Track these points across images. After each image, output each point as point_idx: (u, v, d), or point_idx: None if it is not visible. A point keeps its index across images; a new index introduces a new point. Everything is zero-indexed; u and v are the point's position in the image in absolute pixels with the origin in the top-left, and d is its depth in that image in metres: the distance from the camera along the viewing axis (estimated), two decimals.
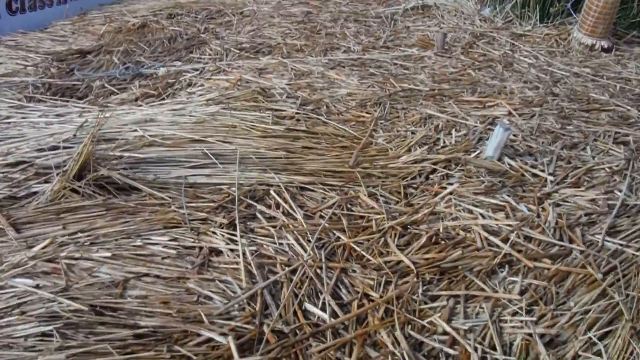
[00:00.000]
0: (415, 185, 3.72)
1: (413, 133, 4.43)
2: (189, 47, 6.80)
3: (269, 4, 8.69)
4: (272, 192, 3.50)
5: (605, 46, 6.59)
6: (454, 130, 4.45)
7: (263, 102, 4.74)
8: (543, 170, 3.97)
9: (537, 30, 7.17)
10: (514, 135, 4.36)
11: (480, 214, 3.40)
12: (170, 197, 3.42)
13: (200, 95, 5.05)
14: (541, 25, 7.24)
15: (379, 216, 3.34)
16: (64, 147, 3.86)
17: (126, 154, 3.74)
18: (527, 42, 6.90)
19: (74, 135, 4.18)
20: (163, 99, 5.12)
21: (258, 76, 5.49)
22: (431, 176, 3.83)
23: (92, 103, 5.10)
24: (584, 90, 5.50)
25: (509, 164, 3.96)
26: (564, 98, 5.29)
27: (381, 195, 3.56)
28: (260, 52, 6.34)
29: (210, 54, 6.39)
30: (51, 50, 6.90)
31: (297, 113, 4.57)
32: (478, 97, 5.17)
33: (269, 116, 4.45)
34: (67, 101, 5.22)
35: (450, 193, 3.60)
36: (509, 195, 3.63)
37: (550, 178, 3.86)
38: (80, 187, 3.33)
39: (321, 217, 3.34)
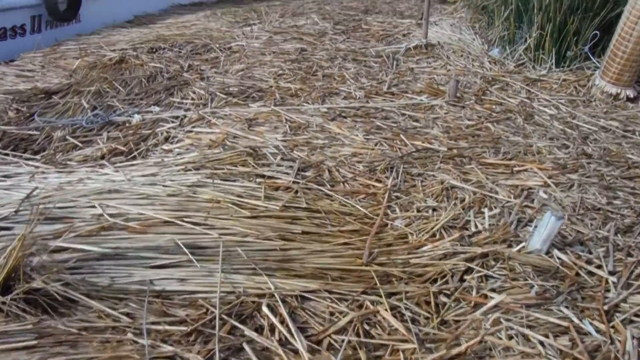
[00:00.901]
0: (447, 292, 2.82)
1: (435, 210, 3.54)
2: (169, 89, 5.89)
3: (259, 39, 7.83)
4: (264, 307, 2.57)
5: (631, 95, 5.80)
6: (484, 207, 3.57)
7: (253, 167, 3.83)
8: (600, 266, 3.09)
9: (553, 75, 6.37)
10: None
11: (540, 342, 2.50)
12: (128, 315, 2.48)
13: (179, 154, 4.13)
14: (557, 69, 6.44)
15: (407, 345, 2.43)
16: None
17: (74, 246, 2.80)
18: (543, 89, 6.08)
19: (16, 211, 3.24)
20: (134, 157, 4.19)
21: (247, 129, 4.59)
22: (466, 277, 2.93)
23: (49, 160, 4.16)
24: (619, 151, 4.67)
25: (559, 259, 3.08)
26: (599, 160, 4.45)
27: (406, 308, 2.66)
28: (250, 97, 5.44)
29: (193, 98, 5.49)
30: (13, 89, 5.95)
31: (294, 182, 3.67)
32: (503, 159, 4.32)
33: (260, 186, 3.54)
34: (21, 156, 4.28)
35: (496, 306, 2.70)
36: (567, 307, 2.75)
37: (611, 279, 2.99)
38: (4, 303, 2.39)
39: (330, 346, 2.42)
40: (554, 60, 6.45)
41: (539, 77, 6.35)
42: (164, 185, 3.51)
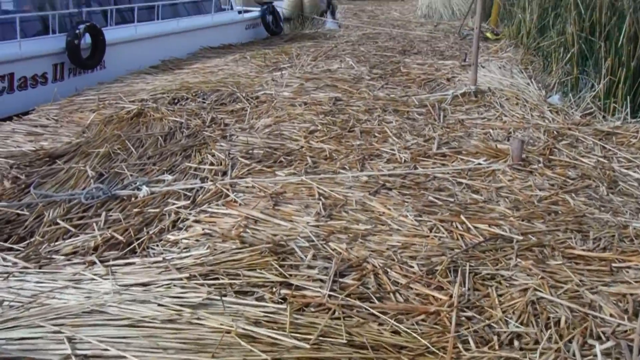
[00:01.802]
0: None
1: (521, 337, 2.53)
2: (187, 149, 5.03)
3: (289, 86, 6.97)
4: None
5: None
6: (590, 337, 2.54)
7: (277, 271, 2.89)
8: None
9: (629, 127, 5.32)
10: None
11: None
12: None
13: (185, 249, 3.21)
14: (633, 120, 5.39)
15: None
16: None
17: None
18: (621, 144, 5.03)
19: None
20: (133, 249, 3.29)
21: (272, 209, 3.66)
22: None
23: (32, 254, 3.29)
24: None
25: None
26: None
27: None
28: (277, 162, 4.53)
29: (212, 163, 4.61)
30: (17, 151, 5.18)
31: (329, 296, 2.70)
32: (595, 251, 3.28)
33: (284, 306, 2.59)
34: (2, 245, 3.44)
35: None
36: None
37: None
38: None
39: None
40: (628, 110, 5.39)
41: (613, 129, 5.29)
42: (159, 304, 2.58)
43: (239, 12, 11.55)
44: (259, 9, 12.17)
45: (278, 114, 5.83)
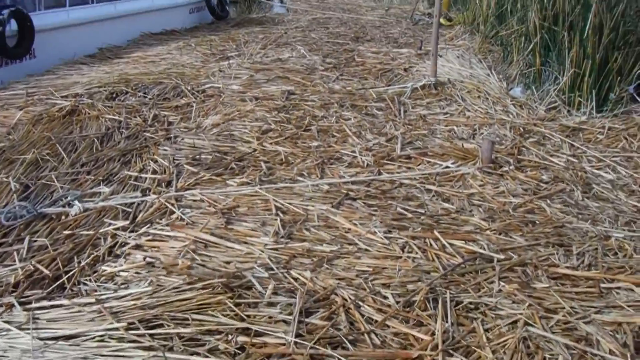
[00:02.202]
0: None
1: None
2: (126, 154, 4.48)
3: (238, 77, 6.44)
4: None
5: None
6: None
7: (232, 314, 2.45)
8: None
9: (595, 123, 5.09)
10: None
11: None
12: None
13: (123, 285, 2.72)
14: (598, 115, 5.16)
15: None
16: None
17: None
18: (588, 141, 4.80)
19: None
20: (62, 285, 2.78)
21: (224, 228, 3.20)
22: None
23: None
24: None
25: None
26: None
27: None
28: (228, 169, 4.05)
29: (155, 171, 4.09)
30: None
31: (295, 343, 2.29)
32: (580, 269, 2.99)
33: None
34: None
35: None
36: None
37: None
38: None
39: None
40: (594, 104, 5.16)
41: (579, 124, 5.05)
42: None
43: None
44: None
45: (227, 110, 5.33)
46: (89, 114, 5.43)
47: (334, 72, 6.67)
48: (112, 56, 8.24)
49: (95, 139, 4.80)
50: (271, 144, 4.49)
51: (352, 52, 7.77)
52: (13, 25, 7.17)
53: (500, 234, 3.29)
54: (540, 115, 5.23)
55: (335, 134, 4.74)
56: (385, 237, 3.15)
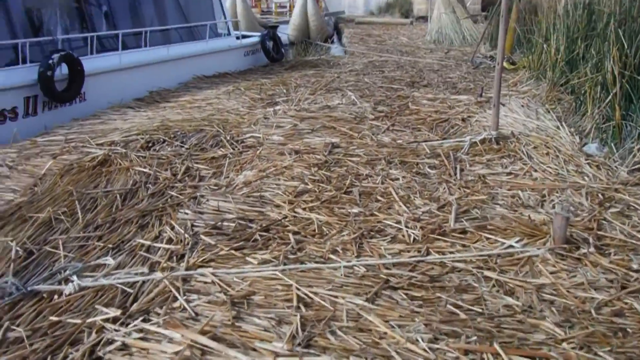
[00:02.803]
0: None
1: None
2: (146, 215, 3.96)
3: (281, 127, 5.91)
4: None
5: None
6: None
7: None
8: None
9: None
10: None
11: None
12: None
13: None
14: None
15: None
16: None
17: None
18: None
19: None
20: None
21: (231, 326, 2.56)
22: None
23: None
24: None
25: None
26: None
27: None
28: (251, 241, 3.44)
29: (169, 239, 3.53)
30: None
31: None
32: None
33: None
34: None
35: None
36: None
37: None
38: None
39: None
40: None
41: None
42: None
43: (237, 38, 10.55)
44: (259, 34, 11.17)
45: (263, 165, 4.76)
46: (120, 164, 5.01)
47: (385, 122, 6.02)
48: (160, 99, 7.94)
49: (118, 196, 4.33)
50: (305, 209, 3.85)
51: (406, 99, 7.11)
52: (64, 68, 6.99)
53: (581, 348, 2.49)
54: (622, 179, 4.37)
55: (379, 197, 4.06)
56: (430, 349, 2.42)
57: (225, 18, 10.53)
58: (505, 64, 9.35)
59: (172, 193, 4.28)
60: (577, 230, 3.55)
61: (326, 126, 5.81)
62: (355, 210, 3.85)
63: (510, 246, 3.35)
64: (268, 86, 8.41)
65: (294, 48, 13.36)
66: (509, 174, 4.55)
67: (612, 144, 4.76)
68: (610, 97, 4.79)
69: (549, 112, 5.87)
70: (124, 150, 5.33)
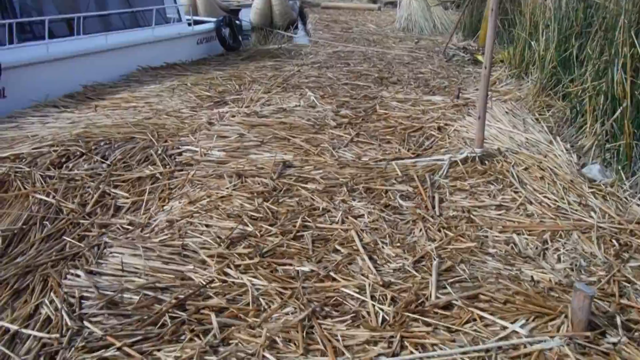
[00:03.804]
0: None
1: None
2: (28, 273, 2.88)
3: (226, 137, 4.84)
4: None
5: None
6: None
7: None
8: None
9: None
10: None
11: None
12: None
13: None
14: None
15: None
16: None
17: None
18: None
19: None
20: None
21: None
22: None
23: None
24: None
25: None
26: None
27: None
28: (156, 329, 2.40)
29: (47, 319, 2.47)
30: None
31: None
32: None
33: None
34: None
35: None
36: None
37: None
38: None
39: None
40: None
41: None
42: None
43: (189, 24, 9.33)
44: (214, 20, 9.97)
45: (195, 194, 3.70)
46: (18, 189, 3.89)
47: (348, 131, 5.01)
48: (93, 96, 6.75)
49: (1, 240, 3.23)
50: (238, 267, 2.83)
51: (373, 100, 6.10)
52: None
53: None
54: (637, 215, 3.46)
55: (338, 247, 3.06)
56: None
57: (175, 2, 9.28)
58: (481, 57, 8.41)
59: (70, 239, 3.20)
60: (595, 299, 2.61)
61: (278, 137, 4.76)
62: (306, 268, 2.84)
63: (514, 332, 2.39)
64: (219, 81, 7.28)
65: (254, 36, 12.18)
66: (499, 206, 3.60)
67: (619, 167, 3.84)
68: (619, 111, 3.85)
69: (538, 121, 4.94)
70: (29, 169, 4.20)
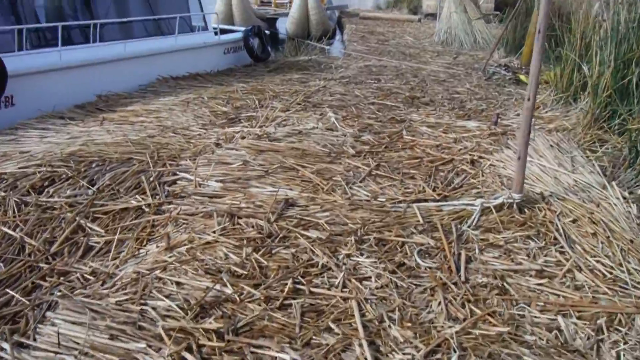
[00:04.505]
0: None
1: None
2: None
3: (227, 164, 4.24)
4: None
5: None
6: None
7: None
8: None
9: None
10: None
11: None
12: None
13: None
14: None
15: None
16: None
17: None
18: None
19: None
20: None
21: None
22: None
23: None
24: None
25: None
26: None
27: None
28: None
29: None
30: None
31: None
32: None
33: None
34: None
35: None
36: None
37: None
38: None
39: None
40: None
41: None
42: None
43: (215, 34, 8.82)
44: (242, 29, 9.45)
45: (176, 238, 3.10)
46: None
47: (368, 161, 4.33)
48: (104, 107, 6.28)
49: None
50: (201, 349, 2.19)
51: (400, 123, 5.41)
52: None
53: None
54: None
55: (332, 324, 2.39)
56: None
57: (202, 10, 8.79)
58: (524, 78, 7.61)
59: (16, 293, 2.63)
60: None
61: (286, 166, 4.13)
62: (287, 357, 2.17)
63: None
64: (239, 94, 6.72)
65: (287, 45, 11.63)
66: (541, 272, 2.87)
67: None
68: None
69: (589, 159, 4.15)
70: (4, 194, 3.69)
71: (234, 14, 14.73)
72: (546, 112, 5.87)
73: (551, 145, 4.44)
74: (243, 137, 4.88)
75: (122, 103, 6.45)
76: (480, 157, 4.43)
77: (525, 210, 3.46)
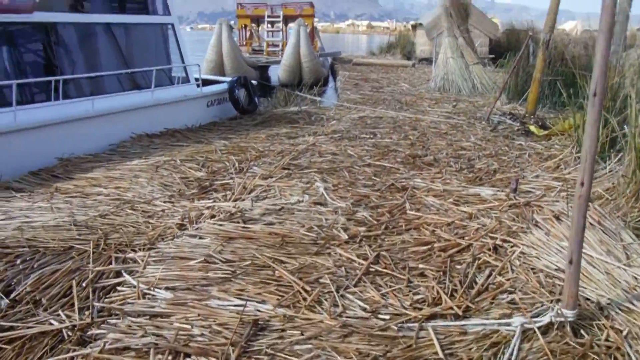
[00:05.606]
0: None
1: None
2: None
3: (187, 260, 3.23)
4: None
5: None
6: None
7: None
8: None
9: None
10: None
11: None
12: None
13: None
14: None
15: None
16: None
17: None
18: None
19: None
20: None
21: None
22: None
23: None
24: None
25: None
26: None
27: None
28: None
29: None
30: None
31: None
32: None
33: None
34: None
35: None
36: None
37: None
38: None
39: None
40: None
41: None
42: None
43: (197, 85, 7.96)
44: (227, 80, 8.61)
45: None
46: None
47: (364, 249, 3.33)
48: (62, 174, 5.34)
49: None
50: None
51: (402, 192, 4.44)
52: None
53: None
54: None
55: None
56: None
57: (183, 61, 7.95)
58: (534, 129, 6.70)
59: None
60: None
61: (259, 263, 3.12)
62: None
63: None
64: (217, 155, 5.79)
65: (276, 95, 10.80)
66: None
67: None
68: None
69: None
70: None
71: (225, 63, 14.02)
72: (569, 172, 4.92)
73: (591, 224, 3.45)
74: (212, 216, 3.89)
75: (83, 168, 5.50)
76: (504, 241, 3.44)
77: (581, 331, 2.44)
